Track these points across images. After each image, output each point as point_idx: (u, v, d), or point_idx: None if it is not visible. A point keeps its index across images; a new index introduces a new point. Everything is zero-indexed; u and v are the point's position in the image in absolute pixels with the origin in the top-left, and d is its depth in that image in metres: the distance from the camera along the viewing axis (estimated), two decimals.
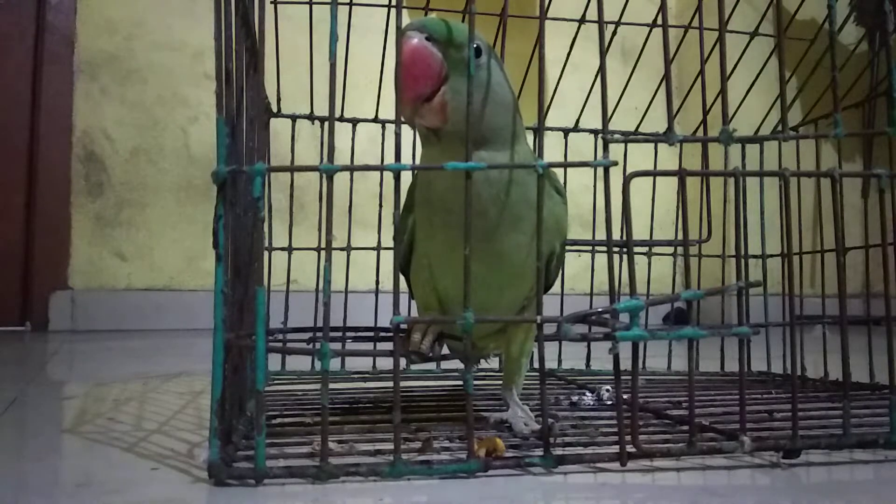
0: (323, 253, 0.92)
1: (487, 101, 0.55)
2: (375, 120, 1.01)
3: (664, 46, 0.53)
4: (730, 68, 0.64)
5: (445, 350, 0.66)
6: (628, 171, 0.54)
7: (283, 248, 0.96)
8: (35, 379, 1.02)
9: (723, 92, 0.52)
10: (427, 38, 0.53)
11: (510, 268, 0.58)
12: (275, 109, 0.96)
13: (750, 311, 0.72)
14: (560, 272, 0.70)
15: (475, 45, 0.53)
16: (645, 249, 1.01)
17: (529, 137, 0.93)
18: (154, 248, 2.16)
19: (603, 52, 0.50)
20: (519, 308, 0.62)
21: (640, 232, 0.76)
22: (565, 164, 0.54)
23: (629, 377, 0.50)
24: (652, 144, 0.74)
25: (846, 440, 0.53)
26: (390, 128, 0.93)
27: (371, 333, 0.80)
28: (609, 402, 0.74)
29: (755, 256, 0.97)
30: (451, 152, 0.53)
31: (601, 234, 0.75)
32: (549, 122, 0.72)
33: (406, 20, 0.50)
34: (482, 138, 0.55)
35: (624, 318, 0.50)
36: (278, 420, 0.64)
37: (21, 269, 2.07)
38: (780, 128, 0.61)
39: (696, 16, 0.61)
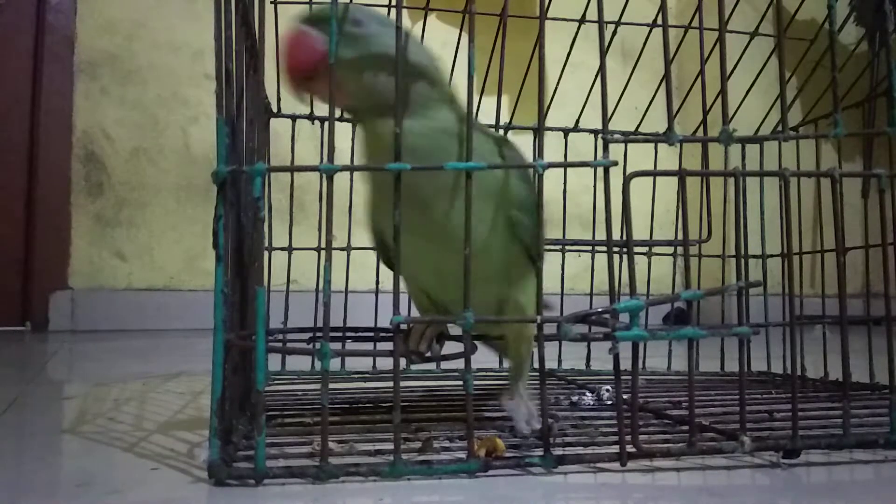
0: (323, 253, 0.92)
1: (382, 67, 0.54)
2: None
3: (664, 46, 0.53)
4: (730, 68, 0.64)
5: (446, 350, 0.66)
6: (628, 171, 0.54)
7: (283, 248, 0.96)
8: (35, 379, 1.02)
9: (723, 92, 0.52)
10: (305, 23, 0.54)
11: (458, 242, 0.55)
12: (275, 109, 0.96)
13: (750, 311, 0.72)
14: (542, 250, 0.62)
15: (353, 17, 0.54)
16: (645, 249, 1.01)
17: (529, 137, 0.93)
18: (154, 248, 2.16)
19: (603, 52, 0.50)
20: (498, 292, 0.60)
21: (640, 232, 0.76)
22: (565, 164, 0.55)
23: (629, 377, 0.50)
24: (652, 144, 0.74)
25: (846, 440, 0.53)
26: None
27: (371, 333, 0.80)
28: (609, 402, 0.74)
29: (755, 256, 0.97)
30: (370, 127, 0.55)
31: (601, 234, 0.75)
32: (549, 122, 0.72)
33: (406, 20, 0.50)
34: (387, 106, 0.53)
35: (624, 318, 0.50)
36: (278, 420, 0.64)
37: (21, 269, 2.07)
38: (780, 128, 0.61)
39: (696, 16, 0.61)
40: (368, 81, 0.54)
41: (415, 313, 0.76)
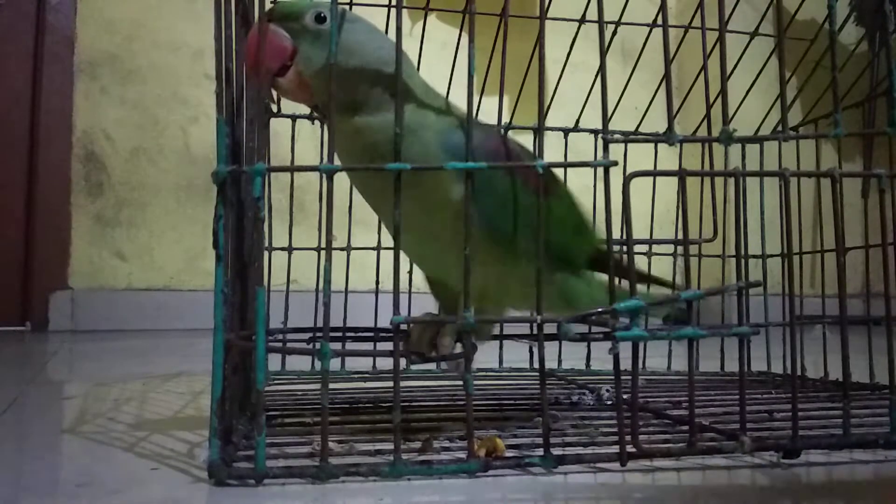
0: (323, 253, 0.92)
1: (346, 63, 0.54)
2: None
3: (664, 46, 0.53)
4: (730, 68, 0.64)
5: (457, 348, 0.65)
6: (628, 170, 0.54)
7: (283, 248, 0.96)
8: (35, 379, 1.02)
9: (723, 92, 0.52)
10: (271, 21, 0.54)
11: (423, 225, 0.56)
12: (275, 110, 0.96)
13: (750, 311, 0.72)
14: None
15: (317, 13, 0.54)
16: (645, 249, 1.01)
17: (529, 137, 0.93)
18: (154, 248, 2.16)
19: (603, 52, 0.50)
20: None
21: (640, 232, 0.76)
22: (565, 164, 0.55)
23: (629, 377, 0.50)
24: (652, 144, 0.74)
25: (846, 440, 0.53)
26: None
27: (371, 333, 0.80)
28: (609, 402, 0.74)
29: (755, 256, 0.97)
30: (340, 125, 0.55)
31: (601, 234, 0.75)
32: (549, 122, 0.72)
33: (406, 20, 0.50)
34: (354, 103, 0.54)
35: (624, 318, 0.50)
36: (278, 420, 0.64)
37: (21, 269, 2.07)
38: (780, 128, 0.61)
39: (697, 16, 0.61)
40: (338, 76, 0.52)
41: (415, 313, 0.76)
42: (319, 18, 0.54)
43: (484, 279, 0.59)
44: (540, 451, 0.50)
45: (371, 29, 0.58)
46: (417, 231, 0.57)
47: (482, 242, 0.57)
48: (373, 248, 1.01)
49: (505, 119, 0.96)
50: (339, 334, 0.79)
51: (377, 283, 0.99)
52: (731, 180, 0.57)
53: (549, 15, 0.54)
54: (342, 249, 0.90)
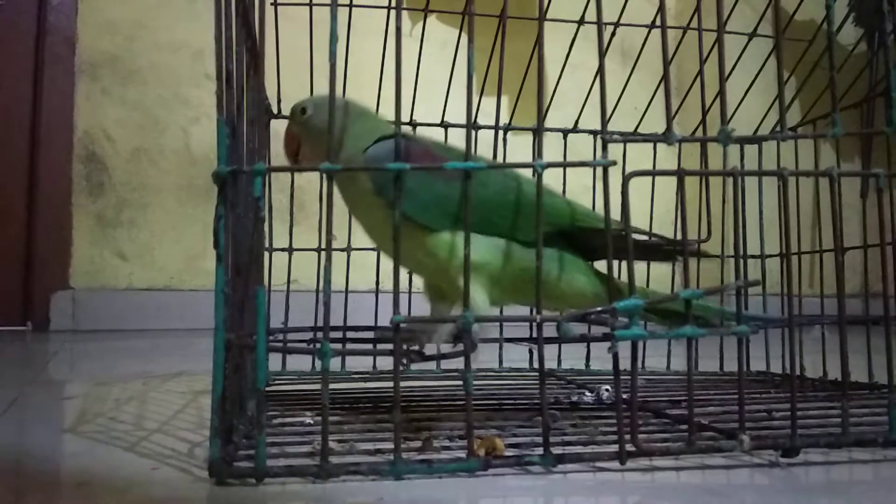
0: (323, 253, 0.92)
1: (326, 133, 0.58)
2: None
3: (663, 47, 0.53)
4: (728, 69, 0.64)
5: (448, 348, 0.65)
6: (627, 171, 0.54)
7: (283, 249, 0.96)
8: (36, 379, 1.03)
9: (721, 92, 0.53)
10: (290, 120, 0.72)
11: (367, 226, 0.67)
12: (275, 110, 0.96)
13: (749, 310, 0.72)
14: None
15: (301, 108, 0.70)
16: None
17: (528, 137, 0.93)
18: (155, 248, 2.16)
19: (602, 53, 0.50)
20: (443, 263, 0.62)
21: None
22: (564, 164, 0.55)
23: (628, 377, 0.50)
24: (651, 144, 0.74)
25: (845, 439, 0.53)
26: None
27: (371, 333, 0.80)
28: (609, 402, 0.74)
29: (754, 256, 0.97)
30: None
31: None
32: (548, 123, 0.73)
33: (406, 21, 0.50)
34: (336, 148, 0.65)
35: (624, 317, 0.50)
36: (278, 420, 0.65)
37: (22, 269, 2.07)
38: (778, 128, 0.61)
39: (695, 16, 0.62)
40: (320, 145, 0.69)
41: (415, 313, 0.76)
42: (303, 111, 0.70)
43: (430, 268, 0.64)
44: (540, 451, 0.50)
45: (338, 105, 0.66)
46: (366, 230, 0.68)
47: (412, 232, 0.61)
48: (373, 249, 1.00)
49: (504, 119, 0.97)
50: (340, 334, 0.80)
51: (377, 283, 0.99)
52: (730, 180, 0.57)
53: (548, 16, 0.54)
54: (342, 250, 0.90)
